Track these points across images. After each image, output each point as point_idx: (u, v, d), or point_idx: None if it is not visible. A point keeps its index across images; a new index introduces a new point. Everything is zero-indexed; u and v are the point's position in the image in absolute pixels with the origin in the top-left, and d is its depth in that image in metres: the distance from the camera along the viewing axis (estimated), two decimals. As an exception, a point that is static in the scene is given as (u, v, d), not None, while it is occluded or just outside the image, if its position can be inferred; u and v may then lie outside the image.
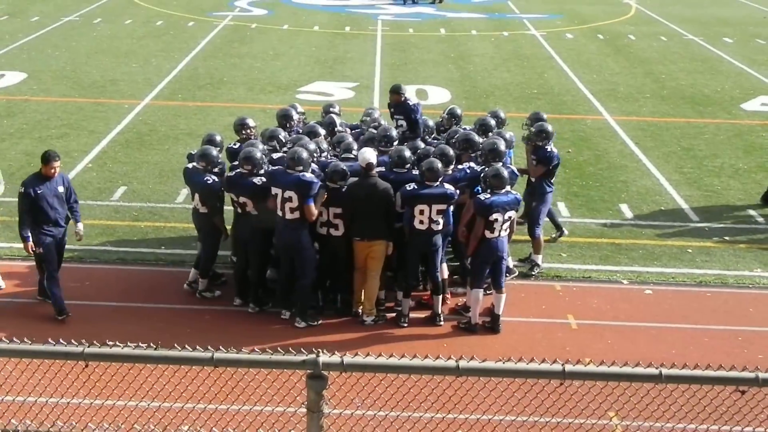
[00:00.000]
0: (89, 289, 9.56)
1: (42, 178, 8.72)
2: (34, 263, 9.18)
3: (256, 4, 29.25)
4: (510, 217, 8.76)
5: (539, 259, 10.30)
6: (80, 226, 9.12)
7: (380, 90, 18.36)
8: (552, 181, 10.29)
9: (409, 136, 10.58)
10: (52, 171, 8.74)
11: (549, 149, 10.13)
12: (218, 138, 9.90)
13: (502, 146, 9.31)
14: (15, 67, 19.61)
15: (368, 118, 10.82)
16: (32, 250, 8.70)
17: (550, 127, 10.31)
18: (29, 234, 8.64)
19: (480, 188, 8.86)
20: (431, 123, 11.02)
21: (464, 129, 10.40)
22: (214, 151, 9.34)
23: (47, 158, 8.73)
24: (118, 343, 4.16)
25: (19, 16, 25.70)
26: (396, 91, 11.11)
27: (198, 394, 5.00)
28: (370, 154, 8.86)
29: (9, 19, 25.20)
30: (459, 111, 11.05)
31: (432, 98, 17.60)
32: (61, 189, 8.84)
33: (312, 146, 9.15)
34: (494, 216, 8.60)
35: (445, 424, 5.54)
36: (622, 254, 10.90)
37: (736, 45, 24.39)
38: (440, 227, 8.77)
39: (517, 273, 10.10)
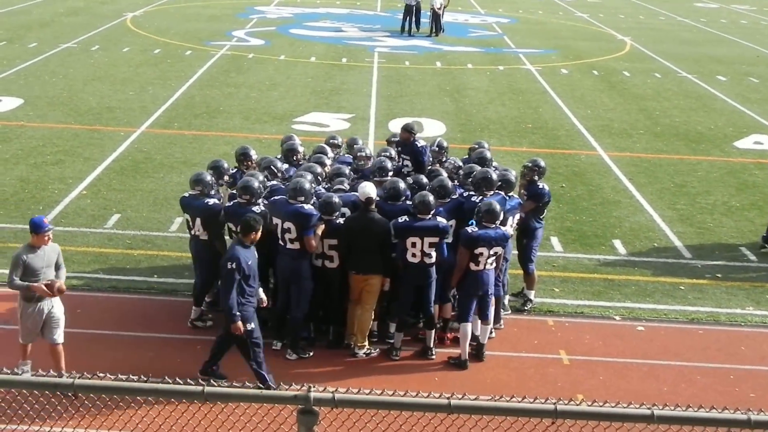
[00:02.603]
0: (80, 317, 9.49)
1: (245, 246, 7.98)
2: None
3: (253, 34, 29.46)
4: (496, 253, 8.77)
5: (532, 294, 10.30)
6: None
7: (375, 121, 18.47)
8: (541, 217, 10.28)
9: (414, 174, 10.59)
10: (254, 237, 8.05)
11: (541, 185, 10.16)
12: (225, 165, 10.00)
13: (495, 176, 9.38)
14: (11, 92, 19.66)
15: (361, 154, 10.78)
16: (245, 330, 7.90)
17: (543, 163, 10.37)
18: (239, 312, 7.87)
19: (472, 221, 8.88)
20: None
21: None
22: (209, 176, 9.37)
23: (251, 226, 7.97)
24: (108, 374, 4.14)
25: (17, 42, 25.83)
26: (408, 130, 11.07)
27: (188, 428, 4.97)
28: (370, 189, 8.89)
29: (7, 44, 25.31)
30: (446, 143, 11.27)
31: (427, 131, 17.67)
32: (255, 253, 8.16)
33: (312, 176, 9.22)
34: (479, 249, 8.62)
35: (436, 461, 5.50)
36: (614, 290, 10.91)
37: (730, 83, 24.62)
38: (433, 260, 8.78)
39: (510, 311, 10.10)
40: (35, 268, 7.77)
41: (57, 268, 8.00)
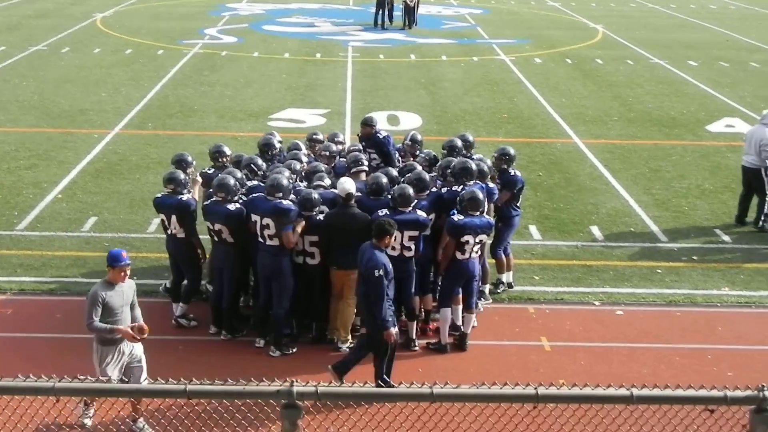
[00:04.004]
0: (60, 322, 9.46)
1: (381, 250, 7.93)
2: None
3: (226, 31, 29.32)
4: (481, 240, 8.85)
5: (503, 276, 10.37)
6: None
7: (351, 116, 18.46)
8: (518, 204, 10.36)
9: (383, 167, 10.60)
10: (388, 242, 8.02)
11: (513, 173, 10.23)
12: (189, 158, 9.97)
13: (474, 166, 9.42)
14: (-17, 97, 19.47)
15: (325, 153, 10.62)
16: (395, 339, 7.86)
17: (512, 150, 10.43)
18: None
19: (455, 210, 8.92)
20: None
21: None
22: (182, 175, 9.35)
23: (386, 230, 7.94)
24: (89, 377, 4.14)
25: (-13, 46, 25.55)
26: (367, 124, 11.09)
27: (172, 426, 4.97)
28: (349, 185, 8.89)
29: (-24, 49, 25.03)
30: (419, 136, 11.22)
31: (403, 124, 17.71)
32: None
33: (290, 172, 9.20)
34: (465, 238, 8.69)
35: (421, 450, 5.53)
36: (593, 276, 11.00)
37: (701, 68, 24.83)
38: (412, 253, 8.80)
39: (491, 300, 10.15)
40: (114, 307, 7.05)
41: (131, 307, 7.34)
